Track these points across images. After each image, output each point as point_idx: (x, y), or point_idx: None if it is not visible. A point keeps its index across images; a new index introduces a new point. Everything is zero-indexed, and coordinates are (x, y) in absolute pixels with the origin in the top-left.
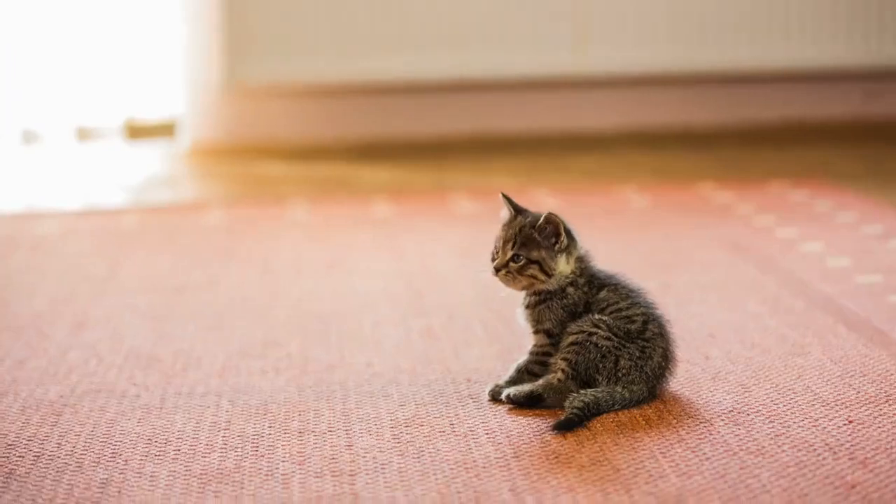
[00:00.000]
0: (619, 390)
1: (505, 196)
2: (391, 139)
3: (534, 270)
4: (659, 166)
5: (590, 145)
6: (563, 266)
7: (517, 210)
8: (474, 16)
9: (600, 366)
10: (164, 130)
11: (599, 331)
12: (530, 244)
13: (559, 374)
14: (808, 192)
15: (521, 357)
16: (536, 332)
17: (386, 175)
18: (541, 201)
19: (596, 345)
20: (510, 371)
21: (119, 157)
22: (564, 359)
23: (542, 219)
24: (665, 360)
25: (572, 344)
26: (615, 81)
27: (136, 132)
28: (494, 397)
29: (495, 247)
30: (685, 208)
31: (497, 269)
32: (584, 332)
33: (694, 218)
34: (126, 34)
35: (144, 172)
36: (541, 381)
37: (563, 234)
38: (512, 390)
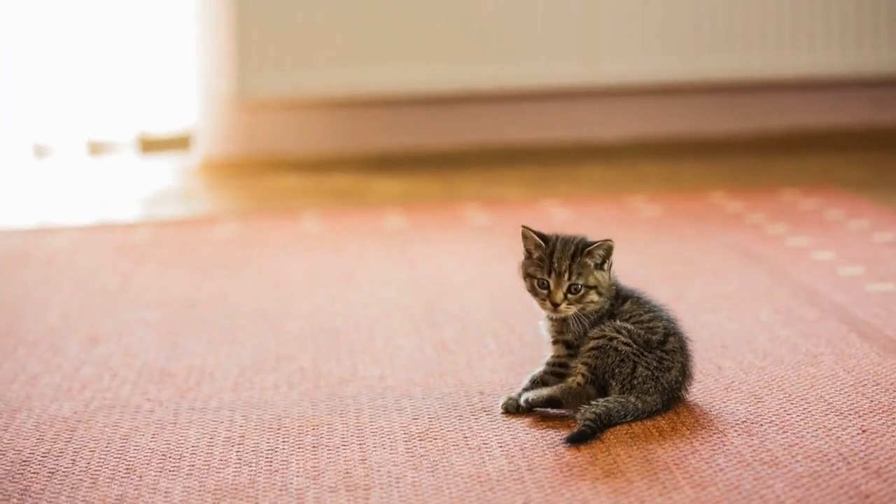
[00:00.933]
0: (633, 401)
1: (528, 228)
2: (402, 151)
3: (592, 296)
4: (670, 175)
5: (600, 155)
6: (607, 283)
7: (545, 239)
8: (485, 27)
9: (616, 371)
10: (177, 144)
11: (620, 336)
12: (586, 272)
13: (578, 378)
14: (819, 200)
15: (536, 368)
16: (556, 342)
17: (397, 187)
18: (552, 211)
19: (616, 349)
20: (524, 382)
21: (131, 170)
22: (584, 363)
23: (595, 244)
24: (682, 376)
25: (593, 349)
26: (625, 91)
27: (149, 146)
28: (508, 410)
29: (537, 280)
30: (696, 217)
31: (556, 304)
32: (605, 336)
33: (705, 227)
34: (138, 48)
35: (156, 186)
36: (560, 385)
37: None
38: (531, 394)
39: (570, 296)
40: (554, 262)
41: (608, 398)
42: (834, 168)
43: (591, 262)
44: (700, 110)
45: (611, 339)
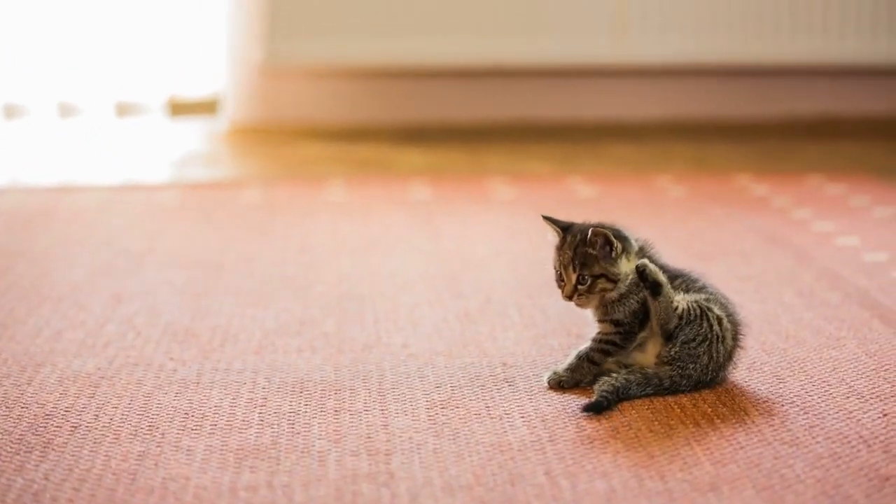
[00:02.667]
0: (660, 375)
1: (547, 218)
2: (430, 123)
3: (602, 283)
4: (696, 157)
5: (627, 134)
6: (626, 267)
7: (564, 228)
8: (516, 3)
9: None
10: (205, 108)
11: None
12: (589, 261)
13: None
14: (845, 186)
15: (583, 344)
16: (602, 321)
17: (424, 158)
18: (577, 188)
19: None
20: (569, 358)
21: (158, 133)
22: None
23: (589, 234)
24: (726, 360)
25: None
26: (654, 72)
27: (177, 109)
28: (552, 385)
29: (557, 273)
30: (722, 199)
31: (569, 297)
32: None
33: (731, 209)
34: (170, 10)
35: (183, 150)
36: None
37: (614, 239)
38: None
39: (579, 287)
40: (564, 254)
41: (631, 370)
42: (861, 155)
43: (593, 251)
44: (728, 93)
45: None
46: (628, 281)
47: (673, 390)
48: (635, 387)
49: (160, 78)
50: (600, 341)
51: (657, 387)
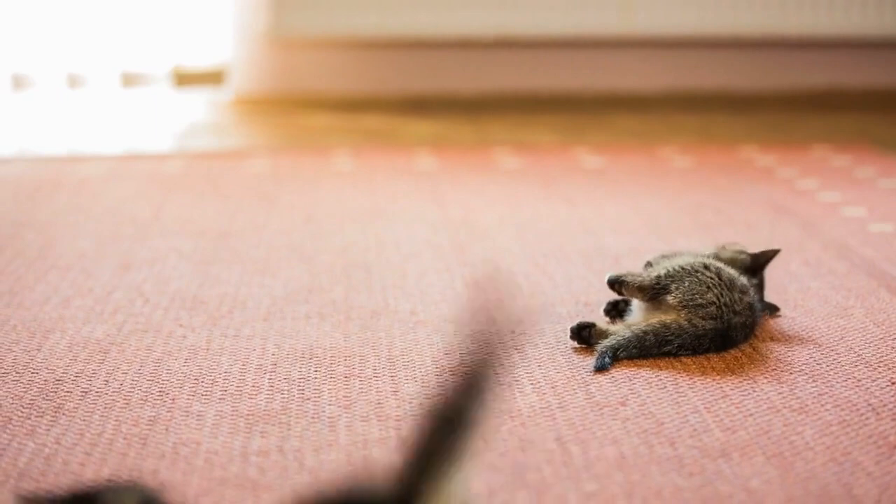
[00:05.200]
0: (680, 322)
1: None
2: (435, 94)
3: None
4: (702, 128)
5: (633, 105)
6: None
7: None
8: None
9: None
10: (211, 78)
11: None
12: None
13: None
14: (851, 157)
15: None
16: None
17: (429, 129)
18: (583, 158)
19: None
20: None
21: (164, 103)
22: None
23: None
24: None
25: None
26: (659, 43)
27: (183, 79)
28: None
29: None
30: (728, 170)
31: None
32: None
33: (736, 179)
34: None
35: (189, 119)
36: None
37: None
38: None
39: None
40: None
41: (639, 327)
42: (867, 127)
43: None
44: (734, 65)
45: (695, 271)
46: None
47: (696, 340)
48: (644, 344)
49: (167, 48)
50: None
51: (678, 338)
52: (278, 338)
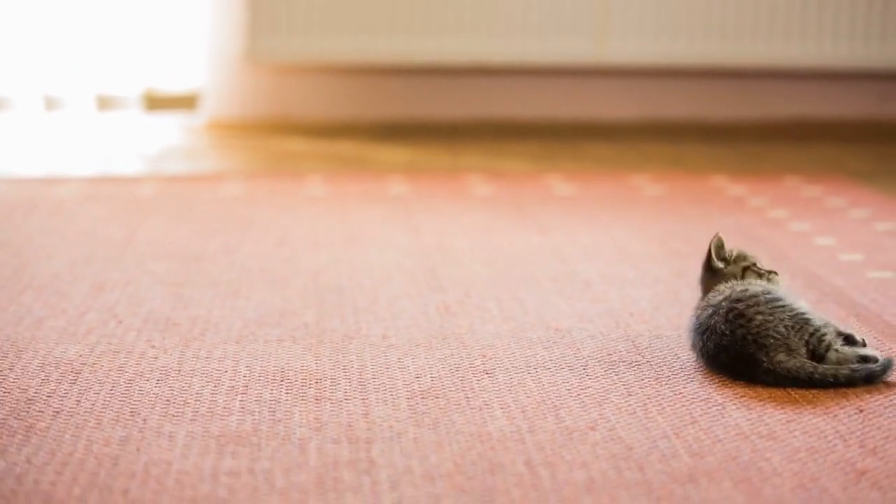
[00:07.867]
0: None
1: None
2: (409, 120)
3: None
4: (674, 157)
5: (605, 134)
6: None
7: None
8: (496, 2)
9: None
10: (184, 102)
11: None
12: None
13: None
14: (821, 188)
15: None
16: None
17: (403, 155)
18: (555, 186)
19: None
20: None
21: (139, 127)
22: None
23: None
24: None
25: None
26: (632, 72)
27: (156, 103)
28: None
29: None
30: (699, 199)
31: None
32: None
33: (707, 208)
34: (151, 4)
35: (162, 143)
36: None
37: None
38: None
39: None
40: None
41: None
42: (837, 158)
43: None
44: (706, 94)
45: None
46: None
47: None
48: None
49: (141, 72)
50: None
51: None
52: (250, 360)
